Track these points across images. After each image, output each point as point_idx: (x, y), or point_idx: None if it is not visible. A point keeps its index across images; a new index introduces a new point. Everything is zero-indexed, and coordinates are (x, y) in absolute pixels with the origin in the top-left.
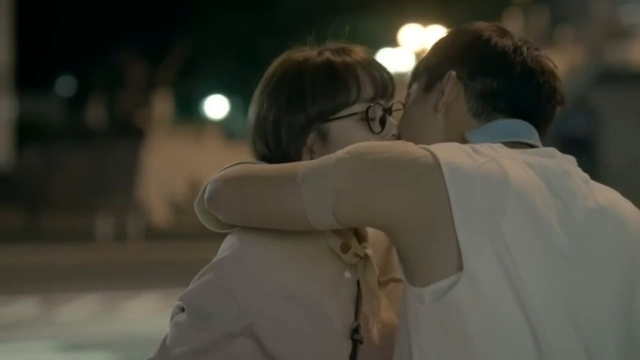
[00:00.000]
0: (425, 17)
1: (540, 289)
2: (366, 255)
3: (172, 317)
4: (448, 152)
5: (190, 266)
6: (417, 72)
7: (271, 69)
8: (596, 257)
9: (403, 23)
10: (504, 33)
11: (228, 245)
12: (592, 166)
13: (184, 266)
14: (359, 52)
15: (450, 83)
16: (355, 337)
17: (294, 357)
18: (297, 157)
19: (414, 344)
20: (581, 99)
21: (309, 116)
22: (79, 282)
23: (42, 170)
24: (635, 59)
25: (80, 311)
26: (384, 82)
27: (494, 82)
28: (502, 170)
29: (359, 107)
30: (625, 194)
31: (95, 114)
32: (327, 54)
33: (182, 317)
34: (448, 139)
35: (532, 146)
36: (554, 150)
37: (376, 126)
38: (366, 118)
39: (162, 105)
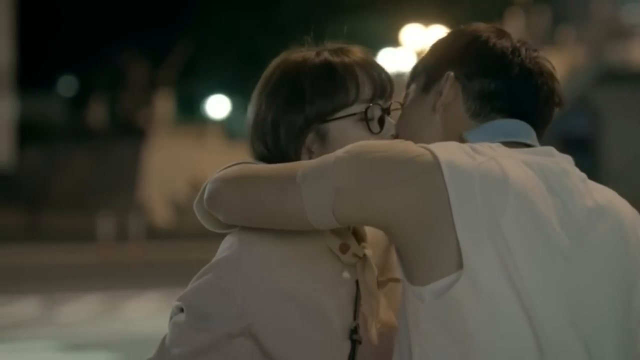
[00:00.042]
0: (427, 17)
1: (540, 287)
2: (365, 256)
3: (171, 318)
4: (447, 151)
5: (191, 266)
6: (415, 73)
7: (269, 69)
8: (595, 256)
9: (404, 23)
10: (502, 34)
11: (227, 245)
12: (594, 166)
13: (186, 266)
14: (357, 52)
15: (449, 84)
16: (354, 337)
17: (293, 357)
18: (296, 157)
19: (414, 343)
20: (582, 98)
21: (307, 117)
22: (80, 282)
23: (44, 170)
24: (637, 58)
25: (82, 311)
26: (383, 82)
27: (492, 83)
28: (501, 169)
29: (357, 108)
30: (627, 193)
31: (97, 113)
32: (326, 55)
33: (181, 317)
34: (446, 139)
35: (530, 146)
36: (552, 150)
37: (375, 126)
38: (365, 118)
39: (164, 105)
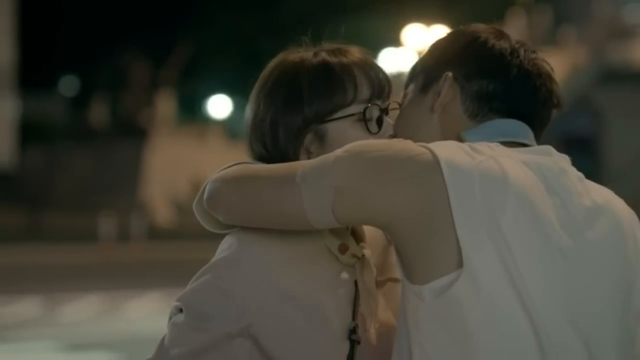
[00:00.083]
0: (429, 17)
1: (540, 286)
2: (364, 256)
3: (170, 318)
4: (447, 150)
5: (193, 266)
6: (414, 73)
7: (267, 70)
8: (594, 255)
9: (406, 23)
10: (501, 35)
11: (226, 246)
12: (595, 166)
13: (187, 266)
14: (355, 52)
15: (447, 84)
16: (353, 337)
17: (292, 357)
18: (295, 158)
19: (414, 343)
20: (584, 98)
21: (306, 117)
22: (81, 282)
23: (45, 169)
24: (638, 58)
25: (83, 311)
26: (380, 82)
27: (491, 84)
28: (500, 168)
29: (356, 108)
30: (629, 193)
31: (98, 113)
32: (323, 55)
33: (180, 317)
34: (444, 139)
35: (528, 146)
36: (550, 148)
37: (373, 126)
38: (363, 119)
39: (165, 105)
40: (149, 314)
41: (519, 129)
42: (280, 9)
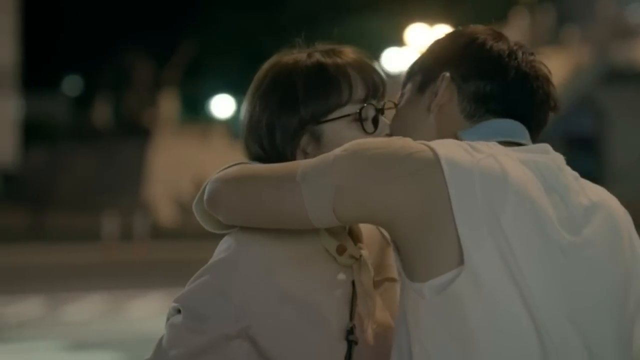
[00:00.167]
0: (432, 17)
1: (540, 283)
2: (361, 257)
3: (168, 319)
4: (447, 148)
5: (196, 266)
6: (411, 73)
7: (261, 71)
8: (592, 252)
9: (409, 23)
10: (499, 37)
11: (225, 247)
12: (598, 165)
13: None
14: (349, 52)
15: (444, 84)
16: (350, 337)
17: (290, 358)
18: (292, 159)
19: (414, 341)
20: (587, 98)
21: (302, 118)
22: (84, 281)
23: (48, 169)
24: None
25: (86, 311)
26: (375, 82)
27: (488, 85)
28: (500, 166)
29: (351, 108)
30: (632, 193)
31: (102, 113)
32: (318, 56)
33: (178, 318)
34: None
35: (524, 145)
36: (547, 147)
37: (369, 126)
38: (359, 119)
39: (169, 104)
40: (152, 313)
41: (516, 128)
42: (283, 9)
